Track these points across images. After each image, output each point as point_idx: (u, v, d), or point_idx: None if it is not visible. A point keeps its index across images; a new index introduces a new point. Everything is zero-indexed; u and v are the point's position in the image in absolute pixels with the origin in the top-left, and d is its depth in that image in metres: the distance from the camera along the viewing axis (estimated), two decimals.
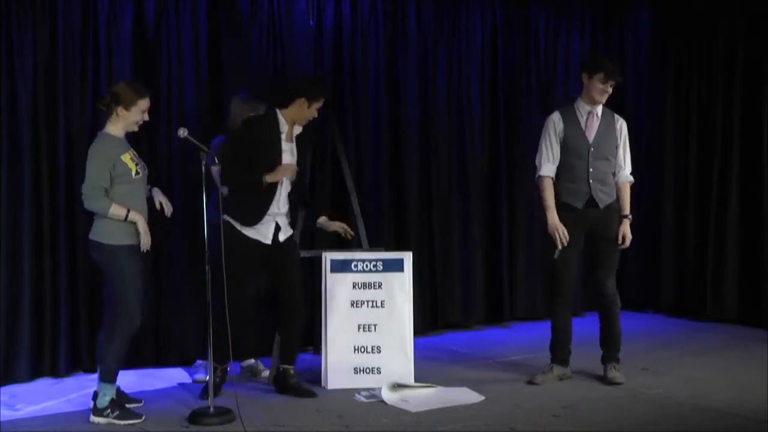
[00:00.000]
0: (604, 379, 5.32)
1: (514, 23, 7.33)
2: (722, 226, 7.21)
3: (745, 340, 6.59)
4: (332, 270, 5.32)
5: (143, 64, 5.78)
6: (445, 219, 7.03)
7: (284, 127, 5.01)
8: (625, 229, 5.29)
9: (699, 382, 5.36)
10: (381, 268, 5.39)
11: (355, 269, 5.36)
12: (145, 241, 4.59)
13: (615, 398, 5.03)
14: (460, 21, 7.06)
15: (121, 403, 4.66)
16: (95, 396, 4.61)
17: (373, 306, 5.36)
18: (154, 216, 4.81)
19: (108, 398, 4.56)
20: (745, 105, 7.15)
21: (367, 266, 5.37)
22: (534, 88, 7.41)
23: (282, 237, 5.08)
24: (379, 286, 5.38)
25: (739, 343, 6.48)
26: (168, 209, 4.83)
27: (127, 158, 4.59)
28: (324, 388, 5.23)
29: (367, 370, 5.29)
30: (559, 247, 5.18)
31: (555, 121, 5.29)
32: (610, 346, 5.39)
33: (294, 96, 4.98)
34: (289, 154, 5.05)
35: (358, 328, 5.32)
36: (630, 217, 5.32)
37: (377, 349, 5.32)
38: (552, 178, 5.27)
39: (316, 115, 5.09)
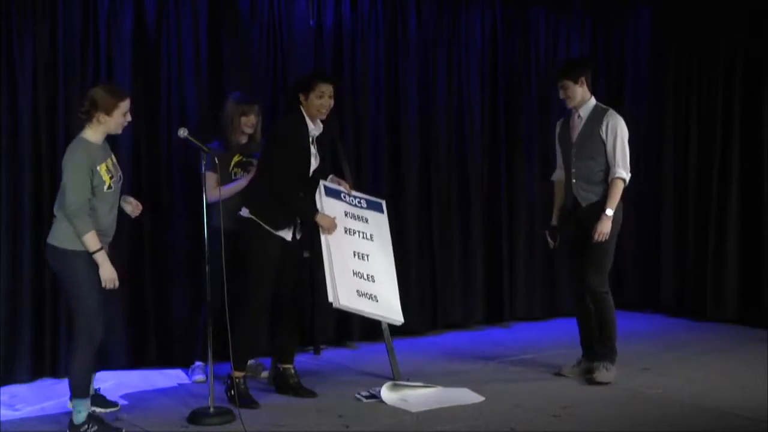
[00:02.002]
0: (589, 380, 5.31)
1: (514, 23, 7.33)
2: (722, 226, 7.21)
3: (745, 340, 6.59)
4: (327, 194, 5.26)
5: (143, 64, 5.78)
6: (445, 219, 7.03)
7: (311, 127, 4.99)
8: (600, 223, 5.17)
9: (699, 382, 5.36)
10: (365, 205, 5.42)
11: (344, 200, 5.34)
12: (106, 280, 4.31)
13: (615, 398, 5.03)
14: (460, 21, 7.06)
15: (99, 418, 4.48)
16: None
17: (363, 237, 5.31)
18: (122, 229, 4.70)
19: (84, 414, 4.33)
20: (745, 105, 7.15)
21: (353, 201, 5.37)
22: (534, 88, 7.40)
23: (298, 235, 5.10)
24: (366, 221, 5.38)
25: (739, 343, 6.48)
26: (135, 210, 4.66)
27: (103, 170, 4.35)
28: (332, 305, 5.03)
29: (366, 295, 5.15)
30: (550, 246, 5.65)
31: (557, 127, 5.59)
32: (599, 344, 5.39)
33: (297, 94, 4.98)
34: (314, 159, 5.06)
35: (354, 254, 5.22)
36: (608, 212, 5.18)
37: (372, 278, 5.22)
38: (559, 182, 5.54)
39: (328, 103, 4.99)
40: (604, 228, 5.18)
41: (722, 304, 7.20)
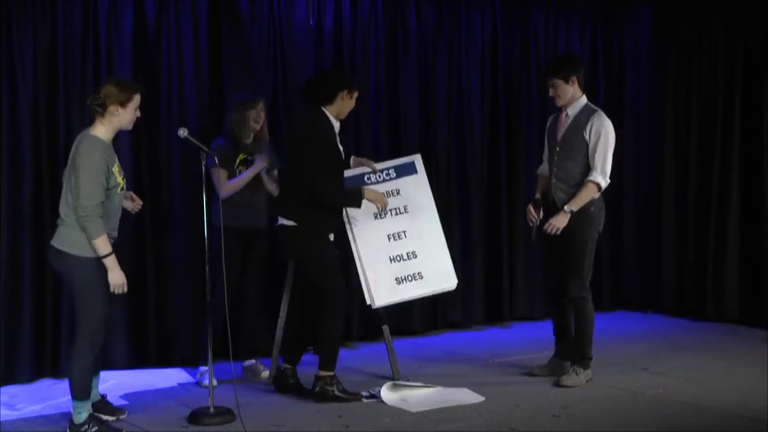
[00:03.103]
0: (556, 383, 5.28)
1: (514, 23, 7.32)
2: (722, 226, 7.21)
3: (745, 340, 6.59)
4: (349, 185, 5.21)
5: (143, 64, 5.78)
6: (445, 219, 6.99)
7: (335, 125, 5.00)
8: (556, 218, 5.09)
9: (699, 382, 5.36)
10: (394, 175, 5.36)
11: (369, 182, 5.29)
12: (115, 285, 4.26)
13: (615, 398, 5.04)
14: (460, 21, 7.06)
15: (99, 418, 4.45)
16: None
17: (397, 213, 5.30)
18: (123, 228, 4.66)
19: (84, 414, 4.32)
20: (745, 105, 7.14)
21: (380, 177, 5.31)
22: (534, 88, 7.40)
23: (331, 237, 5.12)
24: (398, 193, 5.35)
25: (739, 343, 6.48)
26: (136, 205, 4.68)
27: (116, 170, 4.32)
28: (370, 306, 5.12)
29: (409, 278, 5.20)
30: (530, 224, 5.34)
31: (548, 121, 5.52)
32: (574, 348, 5.37)
33: (336, 90, 4.96)
34: (341, 156, 5.07)
35: (388, 238, 5.24)
36: (566, 208, 5.09)
37: (413, 255, 5.24)
38: (543, 176, 5.43)
39: (354, 105, 5.06)
40: (558, 222, 5.08)
41: (722, 304, 7.20)
